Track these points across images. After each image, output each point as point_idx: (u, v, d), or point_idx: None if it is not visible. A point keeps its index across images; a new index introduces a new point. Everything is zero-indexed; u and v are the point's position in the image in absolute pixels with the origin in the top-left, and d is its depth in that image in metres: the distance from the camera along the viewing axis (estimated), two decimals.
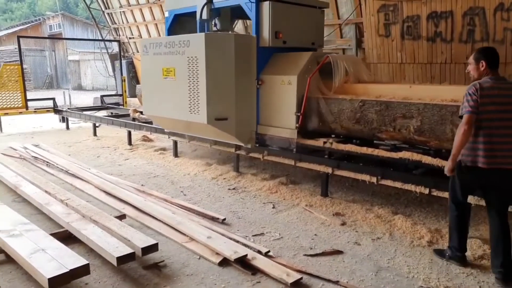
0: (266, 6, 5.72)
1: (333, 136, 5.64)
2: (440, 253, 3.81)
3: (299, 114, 5.47)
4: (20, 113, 11.22)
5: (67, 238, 3.95)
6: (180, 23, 7.08)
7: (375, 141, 5.38)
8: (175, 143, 7.71)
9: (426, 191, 4.38)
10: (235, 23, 8.30)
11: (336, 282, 3.36)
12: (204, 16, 6.29)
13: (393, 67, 8.77)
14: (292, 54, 5.87)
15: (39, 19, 38.15)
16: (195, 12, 6.40)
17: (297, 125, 5.50)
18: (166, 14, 7.14)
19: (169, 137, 7.70)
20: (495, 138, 3.27)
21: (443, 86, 5.11)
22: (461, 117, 3.35)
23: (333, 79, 5.46)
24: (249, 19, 6.32)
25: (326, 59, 5.51)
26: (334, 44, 10.02)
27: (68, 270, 3.04)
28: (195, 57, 5.63)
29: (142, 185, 5.93)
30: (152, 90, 6.64)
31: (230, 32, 6.77)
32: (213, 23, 6.79)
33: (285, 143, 5.71)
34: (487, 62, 3.37)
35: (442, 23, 7.55)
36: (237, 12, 6.73)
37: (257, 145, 6.08)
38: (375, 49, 8.83)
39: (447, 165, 3.50)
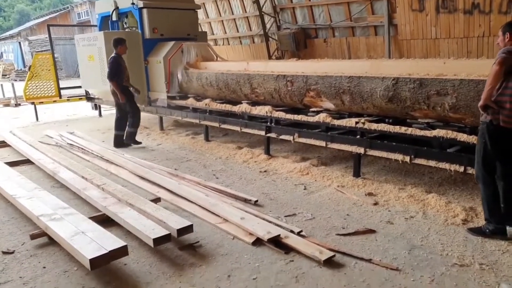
0: (145, 12, 8.52)
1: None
2: (477, 231, 3.74)
3: (166, 82, 8.32)
4: (54, 101, 11.53)
5: (104, 221, 4.08)
6: (107, 22, 9.58)
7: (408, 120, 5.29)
8: (206, 127, 7.79)
9: (461, 169, 4.29)
10: None
11: (369, 260, 3.36)
12: (114, 18, 9.14)
13: (427, 43, 8.53)
14: (164, 43, 8.50)
15: (67, 7, 38.85)
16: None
17: (166, 90, 8.36)
18: (97, 16, 10.01)
19: (199, 122, 7.78)
20: None
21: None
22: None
23: (186, 59, 8.33)
24: None
25: (181, 46, 8.27)
26: (365, 21, 9.81)
27: (107, 251, 3.15)
28: (101, 47, 8.37)
29: (175, 169, 6.04)
30: (84, 70, 9.47)
31: (134, 29, 9.14)
32: (124, 22, 9.28)
33: (163, 102, 8.52)
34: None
35: None
36: None
37: (149, 105, 8.85)
38: (408, 25, 8.60)
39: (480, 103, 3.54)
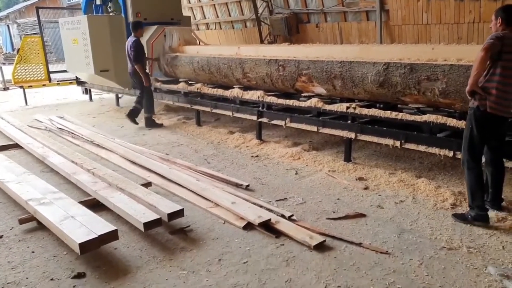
0: None
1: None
2: (461, 217, 3.77)
3: (149, 66, 8.47)
4: (44, 85, 11.37)
5: (94, 205, 4.06)
6: (91, 6, 9.76)
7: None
8: (198, 112, 7.76)
9: (451, 154, 4.33)
10: None
11: (359, 244, 3.39)
12: (98, 2, 9.32)
13: (418, 29, 8.52)
14: (147, 27, 8.45)
15: None
16: None
17: (149, 72, 8.33)
18: (81, 0, 10.15)
19: (191, 106, 7.74)
20: (509, 87, 3.43)
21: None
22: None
23: (168, 43, 8.50)
24: None
25: (163, 31, 8.38)
26: (357, 7, 9.76)
27: (97, 236, 3.14)
28: (85, 31, 8.47)
29: (166, 154, 6.02)
30: (69, 54, 9.56)
31: (118, 13, 9.19)
32: (108, 6, 9.48)
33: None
34: (504, 18, 3.48)
35: None
36: None
37: (133, 88, 8.60)
38: (400, 10, 8.58)
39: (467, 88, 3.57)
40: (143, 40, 8.17)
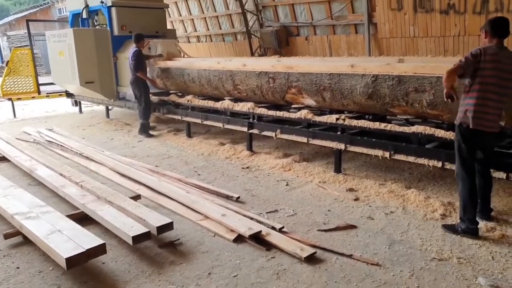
0: (114, 10, 8.73)
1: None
2: (451, 228, 3.77)
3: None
4: (33, 97, 11.24)
5: (82, 219, 4.00)
6: (78, 19, 9.87)
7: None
8: (188, 123, 7.74)
9: (439, 164, 4.35)
10: None
11: (350, 256, 3.38)
12: (85, 16, 9.52)
13: (405, 41, 8.63)
14: (131, 40, 8.11)
15: (48, 3, 38.10)
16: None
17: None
18: (68, 14, 10.28)
19: (181, 118, 7.73)
20: (489, 102, 3.47)
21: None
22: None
23: (152, 55, 8.50)
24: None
25: (148, 43, 8.40)
26: (346, 20, 9.87)
27: (84, 250, 3.09)
28: (71, 43, 8.58)
29: (156, 166, 5.97)
30: (55, 66, 9.70)
31: (104, 26, 9.35)
32: (94, 19, 9.69)
33: (131, 97, 8.38)
34: (489, 31, 3.55)
35: None
36: None
37: (118, 99, 9.08)
38: (387, 23, 8.69)
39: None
40: (127, 53, 8.21)
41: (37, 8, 37.90)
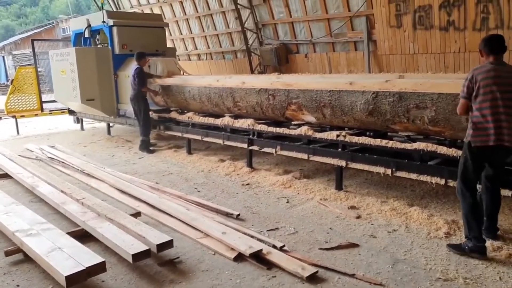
0: (115, 29, 9.00)
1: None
2: (457, 247, 3.69)
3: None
4: (36, 115, 11.36)
5: (83, 236, 3.98)
6: (80, 38, 10.15)
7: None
8: (189, 140, 7.75)
9: (442, 181, 4.32)
10: None
11: (352, 275, 3.33)
12: (87, 35, 9.70)
13: (405, 58, 8.67)
14: (133, 58, 8.28)
15: (52, 23, 38.61)
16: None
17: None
18: (71, 33, 10.59)
19: (182, 135, 7.74)
20: (489, 117, 3.46)
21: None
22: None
23: (152, 73, 8.63)
24: None
25: (148, 61, 8.29)
26: (345, 37, 9.94)
27: (84, 268, 3.06)
28: (73, 62, 8.80)
29: (156, 182, 5.96)
30: (57, 84, 9.92)
31: (105, 45, 9.54)
32: (96, 39, 9.90)
33: (131, 114, 8.51)
34: (484, 50, 3.59)
35: (454, 11, 7.45)
36: None
37: (118, 116, 9.31)
38: (387, 40, 8.74)
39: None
40: (128, 71, 8.56)
41: (42, 28, 38.37)
